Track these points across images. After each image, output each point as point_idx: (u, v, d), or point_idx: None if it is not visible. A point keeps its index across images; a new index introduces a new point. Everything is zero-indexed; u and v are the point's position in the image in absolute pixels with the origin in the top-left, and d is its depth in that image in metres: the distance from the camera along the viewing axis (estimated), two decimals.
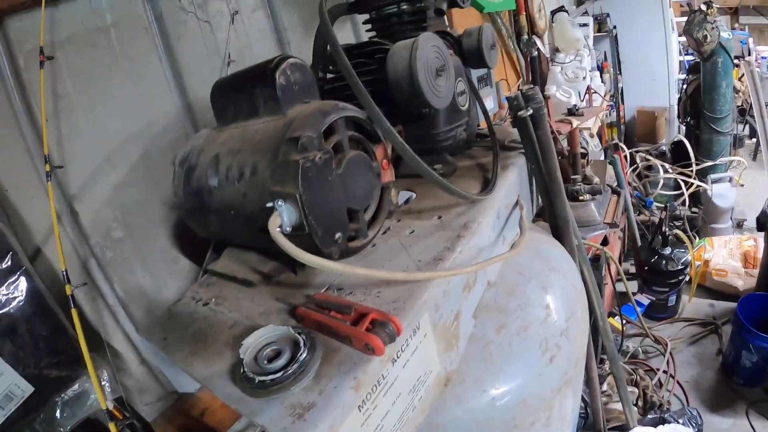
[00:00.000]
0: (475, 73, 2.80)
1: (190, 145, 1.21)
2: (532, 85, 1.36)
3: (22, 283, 1.12)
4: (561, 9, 4.58)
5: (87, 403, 1.17)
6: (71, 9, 1.37)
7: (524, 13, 1.96)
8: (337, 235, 0.87)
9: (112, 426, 1.12)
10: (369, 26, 1.49)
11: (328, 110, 0.90)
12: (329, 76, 1.44)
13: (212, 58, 1.72)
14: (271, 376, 0.69)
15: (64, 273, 1.20)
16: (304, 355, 0.71)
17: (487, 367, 1.01)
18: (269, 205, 0.79)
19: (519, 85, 2.85)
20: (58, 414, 1.14)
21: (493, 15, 3.30)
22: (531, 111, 1.30)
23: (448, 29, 1.63)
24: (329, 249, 0.86)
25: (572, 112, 3.43)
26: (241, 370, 0.72)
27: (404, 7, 1.38)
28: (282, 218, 0.79)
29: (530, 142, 1.37)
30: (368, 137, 1.00)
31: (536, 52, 1.92)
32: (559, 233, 1.49)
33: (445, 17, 2.65)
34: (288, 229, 0.80)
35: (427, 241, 1.02)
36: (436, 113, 1.34)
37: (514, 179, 1.34)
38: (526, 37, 1.94)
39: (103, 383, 1.16)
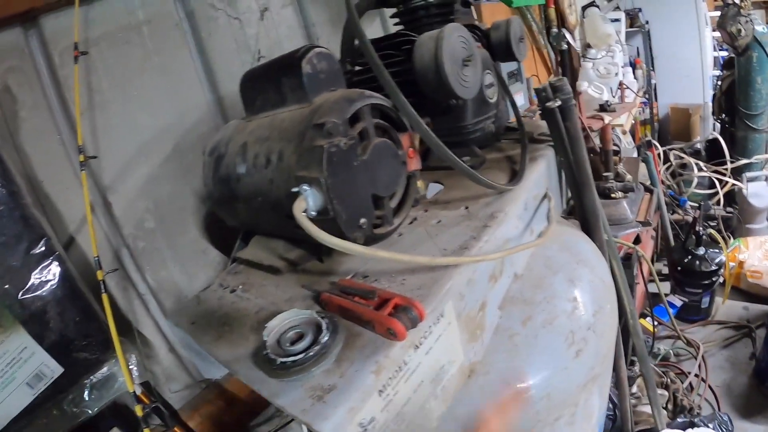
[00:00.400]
0: (506, 68, 2.79)
1: (219, 136, 1.23)
2: (561, 77, 1.35)
3: (55, 268, 1.15)
4: (592, 4, 4.49)
5: (114, 386, 1.20)
6: (104, 7, 1.42)
7: (553, 6, 1.93)
8: (362, 220, 0.88)
9: (138, 408, 1.15)
10: (397, 20, 1.49)
11: (353, 98, 0.91)
12: (357, 68, 1.45)
13: (242, 53, 1.75)
14: (292, 358, 0.70)
15: (97, 259, 1.23)
16: (326, 338, 0.72)
17: (511, 358, 1.00)
18: (295, 189, 0.81)
19: (549, 80, 2.82)
20: (86, 395, 1.17)
21: (522, 10, 3.27)
22: (559, 102, 1.28)
23: (477, 22, 1.63)
24: (353, 234, 0.87)
25: (604, 108, 3.37)
26: (264, 352, 0.74)
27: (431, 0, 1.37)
28: (307, 202, 0.80)
29: (559, 133, 1.35)
30: (394, 125, 1.01)
31: (566, 46, 1.89)
32: (588, 228, 1.46)
33: (474, 12, 2.65)
34: (313, 213, 0.81)
35: (453, 230, 1.02)
36: (464, 105, 1.34)
37: (542, 171, 1.33)
38: (555, 30, 1.91)
39: (130, 367, 1.18)
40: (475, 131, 1.37)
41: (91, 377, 1.19)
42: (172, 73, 1.55)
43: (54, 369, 1.13)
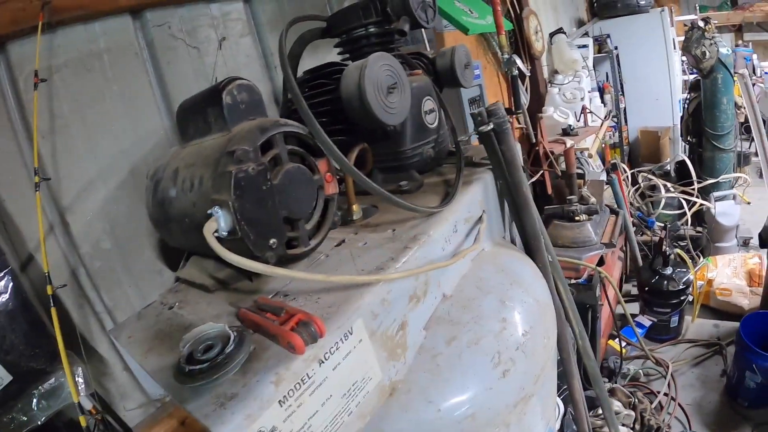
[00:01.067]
0: (467, 94, 2.87)
1: (161, 161, 1.27)
2: (495, 102, 1.40)
3: (7, 281, 1.23)
4: (559, 31, 4.63)
5: (61, 395, 1.26)
6: (68, 35, 1.46)
7: (503, 33, 2.01)
8: (272, 241, 0.92)
9: (81, 419, 1.21)
10: (341, 49, 1.55)
11: (267, 126, 0.96)
12: None
13: (200, 81, 1.78)
14: (198, 366, 0.74)
15: (47, 275, 1.27)
16: (231, 349, 0.76)
17: (433, 378, 1.02)
18: (209, 212, 0.86)
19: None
20: (34, 404, 1.23)
21: (487, 37, 3.36)
22: (492, 125, 1.33)
23: (424, 51, 1.69)
24: (264, 253, 0.91)
25: (567, 132, 3.47)
26: (178, 362, 0.77)
27: (371, 29, 1.43)
28: (218, 223, 0.85)
29: (495, 157, 1.40)
30: (311, 152, 1.05)
31: (516, 72, 1.96)
32: (530, 250, 1.50)
33: (426, 39, 2.73)
34: (224, 233, 0.86)
35: (375, 252, 1.06)
36: (402, 130, 1.38)
37: (476, 194, 1.37)
38: (506, 56, 1.98)
39: (77, 379, 1.24)
40: (413, 156, 1.41)
41: (40, 387, 1.25)
42: (131, 100, 1.59)
43: (3, 376, 1.19)
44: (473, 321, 1.13)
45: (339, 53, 1.55)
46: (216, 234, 0.83)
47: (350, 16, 1.45)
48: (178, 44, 1.73)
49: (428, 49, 1.75)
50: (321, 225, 1.08)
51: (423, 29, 2.38)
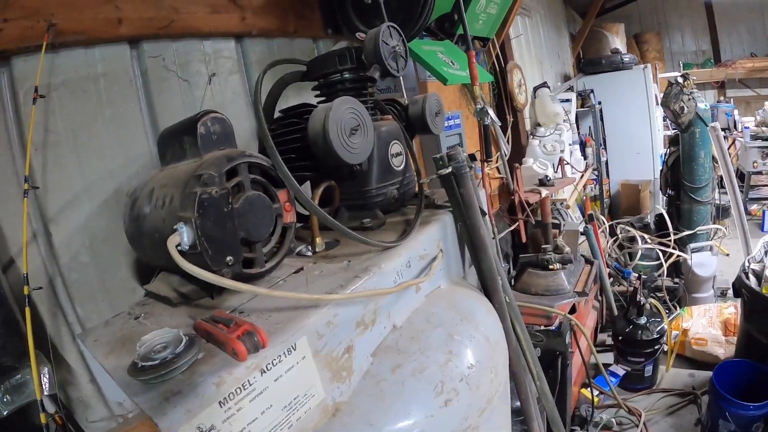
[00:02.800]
0: (447, 142, 3.00)
1: (140, 181, 1.37)
2: (454, 146, 1.50)
3: None
4: (543, 85, 4.84)
5: (26, 392, 1.31)
6: (70, 56, 1.55)
7: (477, 84, 2.14)
8: (228, 258, 1.02)
9: (42, 416, 1.27)
10: (317, 92, 1.65)
11: (233, 156, 1.08)
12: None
13: (187, 112, 1.83)
14: (150, 363, 0.82)
15: (26, 275, 1.34)
16: (180, 350, 0.84)
17: (376, 402, 1.07)
18: (175, 227, 0.96)
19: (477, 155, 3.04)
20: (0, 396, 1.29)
21: (470, 88, 3.52)
22: (450, 169, 1.43)
23: (399, 98, 1.80)
24: (220, 269, 1.01)
25: (543, 182, 3.59)
26: (134, 360, 0.85)
27: (346, 75, 1.54)
28: (181, 237, 0.95)
29: (455, 199, 1.49)
30: (273, 183, 1.16)
31: (489, 121, 2.08)
32: (487, 290, 1.57)
33: (420, 88, 2.87)
34: (186, 247, 0.95)
35: (327, 279, 1.14)
36: (368, 171, 1.48)
37: (433, 233, 1.45)
38: (479, 106, 2.10)
39: (42, 378, 1.30)
40: (378, 196, 1.51)
41: (6, 382, 1.30)
42: (122, 124, 1.68)
43: None
44: (419, 351, 1.19)
45: (316, 96, 1.65)
46: (179, 247, 0.93)
47: (327, 62, 1.56)
48: (170, 76, 1.84)
49: (405, 96, 1.87)
50: (278, 250, 1.18)
51: (401, 78, 2.53)
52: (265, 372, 0.88)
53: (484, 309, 1.49)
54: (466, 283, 1.62)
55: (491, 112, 2.11)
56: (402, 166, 1.59)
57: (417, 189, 1.68)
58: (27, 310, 1.31)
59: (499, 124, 3.53)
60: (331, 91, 1.58)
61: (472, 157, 1.65)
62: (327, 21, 2.43)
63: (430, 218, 1.51)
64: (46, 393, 1.31)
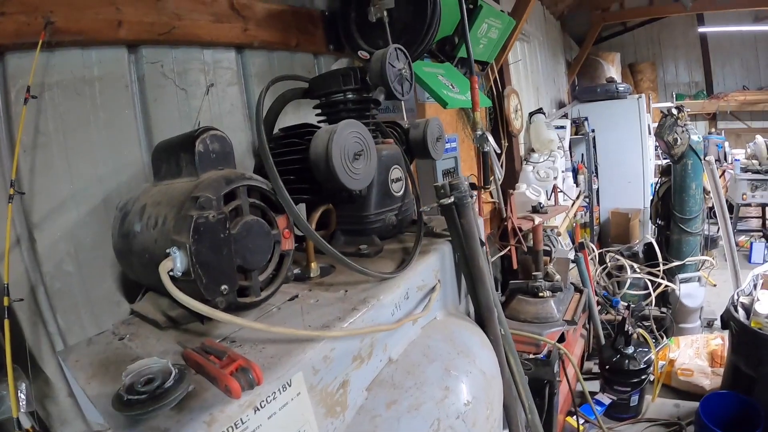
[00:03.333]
0: (442, 165, 2.98)
1: (132, 194, 1.31)
2: (457, 176, 1.48)
3: None
4: (539, 111, 4.86)
5: (1, 408, 1.26)
6: (65, 57, 1.51)
7: (478, 110, 2.13)
8: (224, 287, 0.96)
9: None
10: (318, 111, 1.62)
11: (232, 178, 1.02)
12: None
13: (183, 122, 1.84)
14: (136, 396, 0.76)
15: (6, 286, 1.29)
16: (169, 384, 0.78)
17: None
18: (168, 251, 0.90)
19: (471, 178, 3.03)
20: None
21: (468, 112, 3.52)
22: (452, 198, 1.40)
23: (401, 121, 1.78)
24: (214, 297, 0.95)
25: (536, 209, 3.58)
26: (118, 391, 0.79)
27: (349, 95, 1.51)
28: (174, 263, 0.89)
29: (455, 229, 1.46)
30: (272, 207, 1.11)
31: (487, 148, 2.06)
32: (482, 321, 1.53)
33: (418, 110, 2.86)
34: (179, 273, 0.89)
35: (324, 310, 1.09)
36: (367, 196, 1.44)
37: (432, 263, 1.42)
38: (479, 132, 2.09)
39: (20, 394, 1.24)
40: (376, 221, 1.47)
41: None
42: (115, 130, 1.63)
43: None
44: (415, 387, 1.15)
45: (317, 115, 1.62)
46: (171, 273, 0.87)
47: (331, 81, 1.53)
48: (168, 83, 1.80)
49: (405, 119, 1.86)
50: (274, 278, 1.12)
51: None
52: (258, 410, 0.83)
53: (480, 341, 1.45)
54: (461, 314, 1.58)
55: (491, 138, 2.10)
56: (401, 192, 1.56)
57: (416, 216, 1.65)
58: (6, 323, 1.25)
59: (498, 151, 3.53)
60: (333, 111, 1.56)
61: (473, 186, 1.63)
62: (329, 37, 2.42)
63: (429, 247, 1.47)
64: (22, 410, 1.25)
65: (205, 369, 0.84)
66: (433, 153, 1.71)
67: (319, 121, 1.63)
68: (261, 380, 0.80)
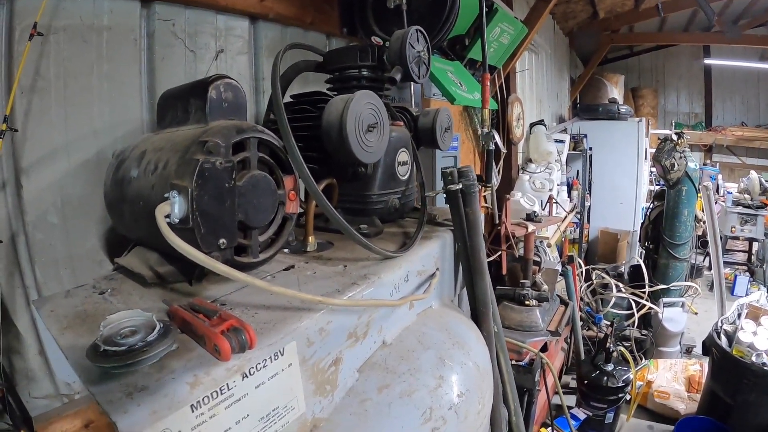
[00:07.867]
0: (441, 163, 2.95)
1: (130, 143, 1.25)
2: (467, 165, 1.44)
3: None
4: (540, 122, 4.86)
5: None
6: (77, 1, 1.46)
7: (487, 107, 2.09)
8: (222, 240, 0.89)
9: None
10: (330, 85, 1.58)
11: (243, 128, 0.95)
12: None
13: None
14: (114, 348, 0.69)
15: None
16: (152, 338, 0.72)
17: (359, 423, 0.98)
18: (167, 194, 0.83)
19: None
20: None
21: (471, 112, 3.49)
22: (461, 185, 1.36)
23: (410, 107, 1.74)
24: (211, 250, 0.88)
25: (531, 217, 3.57)
26: (95, 341, 0.72)
27: (364, 72, 1.47)
28: (172, 208, 0.82)
29: (458, 217, 1.42)
30: (281, 166, 1.05)
31: (493, 146, 2.03)
32: (477, 316, 1.50)
33: (423, 105, 2.82)
34: (176, 219, 0.82)
35: (322, 282, 1.04)
36: (372, 175, 1.40)
37: (433, 250, 1.38)
38: (486, 130, 2.05)
39: None
40: (379, 202, 1.43)
41: None
42: (118, 84, 1.58)
43: None
44: (409, 373, 1.11)
45: (329, 88, 1.57)
46: (167, 219, 0.80)
47: (347, 56, 1.49)
48: (177, 43, 1.75)
49: (413, 107, 1.82)
50: (273, 242, 1.06)
51: (412, 90, 2.47)
52: (246, 376, 0.77)
53: (474, 336, 1.41)
54: (455, 307, 1.54)
55: (497, 136, 2.06)
56: (407, 176, 1.52)
57: (419, 202, 1.61)
58: None
59: (504, 151, 3.50)
60: (346, 86, 1.52)
61: (479, 178, 1.60)
62: (344, 20, 2.38)
63: (431, 234, 1.43)
64: None
65: (193, 327, 0.78)
66: (440, 143, 1.67)
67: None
68: (254, 343, 0.74)
